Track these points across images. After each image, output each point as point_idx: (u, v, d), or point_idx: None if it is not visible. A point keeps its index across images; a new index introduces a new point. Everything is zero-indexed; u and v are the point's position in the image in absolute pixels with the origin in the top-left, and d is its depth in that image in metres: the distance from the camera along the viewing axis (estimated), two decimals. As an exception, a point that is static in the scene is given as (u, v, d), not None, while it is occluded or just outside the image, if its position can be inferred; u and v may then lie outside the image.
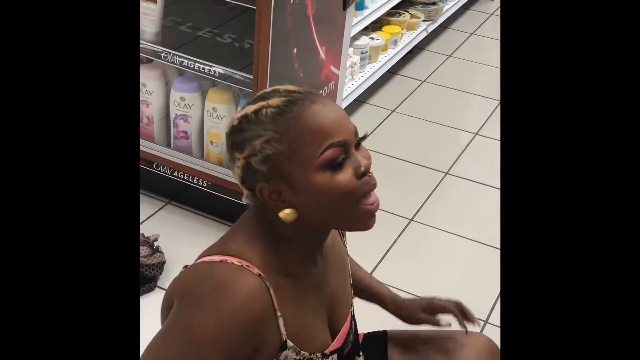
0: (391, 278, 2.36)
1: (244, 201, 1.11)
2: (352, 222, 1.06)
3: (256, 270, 1.03)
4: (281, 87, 1.07)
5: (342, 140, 1.02)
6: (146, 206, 2.57)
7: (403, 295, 2.28)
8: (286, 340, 1.06)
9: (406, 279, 2.35)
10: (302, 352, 1.09)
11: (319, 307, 1.15)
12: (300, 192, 1.02)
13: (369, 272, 2.37)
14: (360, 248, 2.48)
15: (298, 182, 1.02)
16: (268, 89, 1.08)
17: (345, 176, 1.02)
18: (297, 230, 1.06)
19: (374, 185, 1.05)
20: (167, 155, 2.45)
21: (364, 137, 1.07)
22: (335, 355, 1.17)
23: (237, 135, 1.05)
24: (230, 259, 1.04)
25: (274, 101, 1.03)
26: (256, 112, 1.03)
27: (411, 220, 2.64)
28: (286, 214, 1.03)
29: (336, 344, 1.19)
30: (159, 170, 2.49)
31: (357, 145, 1.06)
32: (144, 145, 2.48)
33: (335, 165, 1.01)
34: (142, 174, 2.55)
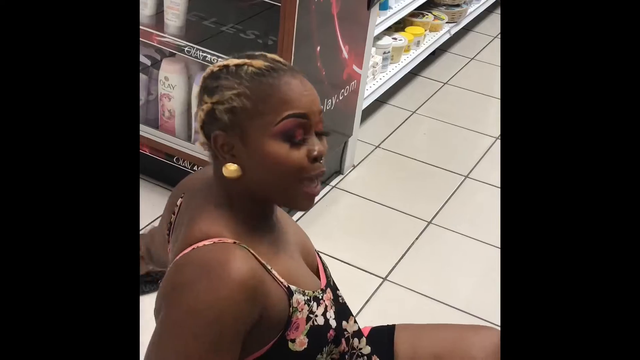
0: (408, 280, 2.35)
1: (197, 144, 1.16)
2: (290, 200, 1.09)
3: (229, 240, 1.04)
4: (269, 55, 1.11)
5: (303, 113, 1.05)
6: (165, 200, 2.57)
7: (417, 297, 2.28)
8: (289, 286, 1.09)
9: (423, 282, 2.34)
10: (306, 291, 1.12)
11: (295, 253, 1.19)
12: (250, 153, 1.05)
13: (386, 273, 2.37)
14: (378, 249, 2.48)
15: (252, 143, 1.05)
16: (256, 52, 1.12)
17: (297, 154, 1.05)
18: (242, 193, 1.09)
19: (322, 172, 1.09)
20: (187, 149, 2.45)
21: (327, 133, 1.11)
22: (329, 289, 1.21)
23: (212, 81, 1.08)
24: (200, 244, 1.04)
25: (258, 63, 1.07)
26: (238, 66, 1.07)
27: (429, 223, 2.63)
28: (230, 169, 1.05)
29: (323, 280, 1.23)
30: (179, 164, 2.50)
31: (320, 135, 1.09)
32: (165, 139, 2.48)
33: (291, 140, 1.05)
34: (162, 168, 2.55)
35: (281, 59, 1.10)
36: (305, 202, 1.10)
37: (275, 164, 1.04)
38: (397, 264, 2.42)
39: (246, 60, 1.07)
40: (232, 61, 1.08)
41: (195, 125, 1.12)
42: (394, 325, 1.46)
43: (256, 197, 1.09)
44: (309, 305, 1.12)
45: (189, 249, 1.04)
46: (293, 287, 1.09)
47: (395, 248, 2.49)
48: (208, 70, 1.10)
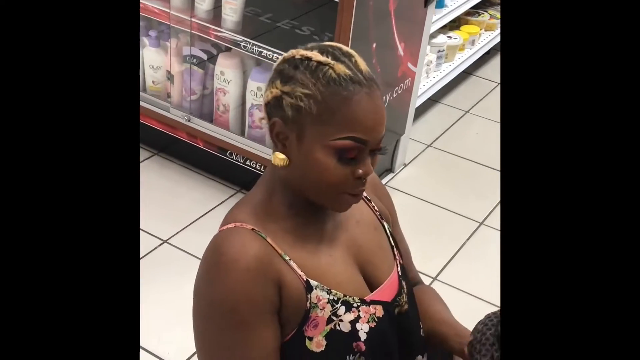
0: (458, 280, 2.33)
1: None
2: (327, 202, 1.10)
3: (249, 226, 1.07)
4: (356, 57, 1.08)
5: (363, 140, 1.04)
6: (217, 193, 2.61)
7: (468, 299, 2.26)
8: (307, 280, 1.08)
9: (473, 283, 2.32)
10: (333, 291, 1.10)
11: (339, 255, 1.16)
12: (301, 152, 1.05)
13: (436, 273, 2.35)
14: (428, 249, 2.46)
15: (305, 144, 1.05)
16: (344, 49, 1.09)
17: (342, 170, 1.05)
18: (284, 181, 1.10)
19: (361, 192, 1.09)
20: (241, 144, 2.47)
21: (382, 150, 1.09)
22: (379, 307, 1.15)
23: (290, 69, 1.06)
24: (224, 227, 1.10)
25: (340, 68, 1.04)
26: (319, 64, 1.04)
27: (481, 224, 2.60)
28: (279, 157, 1.06)
29: (379, 296, 1.17)
30: (232, 159, 2.52)
31: (374, 153, 1.07)
32: (219, 133, 2.51)
33: (343, 157, 1.04)
34: (215, 162, 2.58)
35: (366, 69, 1.07)
36: (339, 207, 1.10)
37: (319, 173, 1.05)
38: (447, 263, 2.40)
39: (330, 62, 1.04)
40: (317, 56, 1.05)
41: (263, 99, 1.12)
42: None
43: (296, 191, 1.10)
44: (333, 306, 1.10)
45: (219, 230, 1.11)
46: (313, 282, 1.08)
47: (445, 248, 2.47)
48: (290, 53, 1.08)
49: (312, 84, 1.03)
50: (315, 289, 1.08)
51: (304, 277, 1.08)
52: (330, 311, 1.09)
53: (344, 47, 1.09)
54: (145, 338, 2.00)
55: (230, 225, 1.09)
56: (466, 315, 2.17)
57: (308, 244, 1.12)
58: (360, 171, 1.05)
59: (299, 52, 1.07)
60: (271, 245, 1.07)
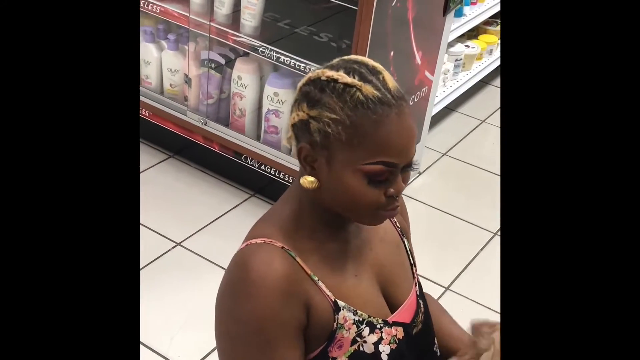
0: (470, 291, 2.32)
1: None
2: (362, 219, 1.08)
3: (279, 244, 1.05)
4: (384, 74, 1.04)
5: (395, 163, 1.02)
6: (232, 197, 2.61)
7: (481, 310, 2.25)
8: (336, 301, 1.07)
9: (486, 294, 2.31)
10: (359, 312, 1.09)
11: (364, 275, 1.14)
12: (332, 176, 1.03)
13: (449, 283, 2.34)
14: (442, 258, 2.45)
15: (335, 168, 1.02)
16: (370, 64, 1.05)
17: (375, 192, 1.02)
18: (314, 202, 1.08)
19: (395, 209, 1.06)
20: (256, 148, 2.48)
21: (413, 166, 1.07)
22: (400, 328, 1.14)
23: (316, 91, 1.02)
24: (252, 241, 1.07)
25: (368, 90, 1.00)
26: (346, 86, 1.00)
27: (495, 234, 2.59)
28: (309, 180, 1.04)
29: (400, 317, 1.16)
30: (247, 163, 2.52)
31: (405, 169, 1.05)
32: (235, 137, 2.51)
33: (374, 180, 1.02)
34: (230, 165, 2.59)
35: (395, 86, 1.03)
36: (374, 222, 1.09)
37: (351, 196, 1.03)
38: (460, 273, 2.39)
39: (357, 83, 1.00)
40: (344, 77, 1.01)
41: (289, 119, 1.09)
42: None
43: (327, 209, 1.08)
44: (358, 327, 1.09)
45: (244, 244, 1.08)
46: (341, 303, 1.07)
47: (459, 258, 2.46)
48: (316, 73, 1.04)
49: (339, 108, 1.00)
50: (343, 309, 1.07)
51: (332, 298, 1.06)
52: (355, 332, 1.08)
53: (370, 63, 1.05)
54: (157, 340, 2.00)
55: (258, 240, 1.06)
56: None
57: (334, 261, 1.10)
58: (392, 190, 1.03)
59: (324, 73, 1.02)
60: (300, 264, 1.05)
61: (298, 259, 1.05)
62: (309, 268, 1.06)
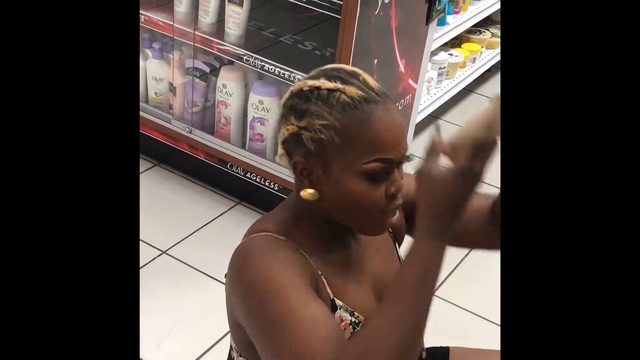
0: (456, 296, 2.34)
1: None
2: (364, 228, 1.08)
3: (282, 237, 1.07)
4: (363, 75, 1.05)
5: (391, 159, 1.02)
6: (217, 204, 2.62)
7: (466, 316, 2.27)
8: (334, 299, 1.07)
9: (471, 299, 2.33)
10: (356, 313, 1.10)
11: (362, 280, 1.15)
12: (331, 184, 1.03)
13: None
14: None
15: (334, 175, 1.03)
16: (349, 69, 1.06)
17: (377, 192, 1.03)
18: (315, 213, 1.08)
19: (396, 209, 1.07)
20: (241, 156, 2.49)
21: (409, 158, 1.07)
22: None
23: (301, 102, 1.04)
24: (255, 235, 1.08)
25: (351, 91, 1.02)
26: (330, 91, 1.02)
27: (479, 239, 2.61)
28: (308, 193, 1.05)
29: None
30: (233, 171, 2.53)
31: (400, 164, 1.06)
32: (220, 145, 2.52)
33: (374, 179, 1.02)
34: (216, 173, 2.59)
35: (376, 85, 1.05)
36: (378, 231, 1.09)
37: (354, 201, 1.03)
38: (445, 280, 2.41)
39: (339, 86, 1.02)
40: (325, 84, 1.03)
41: (278, 138, 1.09)
42: (447, 348, 1.45)
43: (327, 220, 1.08)
44: (354, 328, 1.10)
45: (244, 239, 1.09)
46: (339, 302, 1.08)
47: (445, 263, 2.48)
48: (297, 86, 1.06)
49: (327, 113, 1.01)
50: (340, 309, 1.08)
51: (331, 296, 1.07)
52: (351, 333, 1.09)
53: (348, 67, 1.07)
54: (144, 347, 2.00)
55: (260, 234, 1.07)
56: (462, 331, 2.19)
57: (335, 266, 1.10)
58: (393, 189, 1.04)
59: (306, 84, 1.04)
60: (305, 255, 1.06)
61: (302, 251, 1.06)
62: (313, 263, 1.06)
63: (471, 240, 1.29)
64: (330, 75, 1.04)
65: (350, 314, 1.09)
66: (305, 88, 1.04)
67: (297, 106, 1.04)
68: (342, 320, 1.08)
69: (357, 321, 1.10)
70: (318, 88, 1.03)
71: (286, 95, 1.08)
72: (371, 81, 1.06)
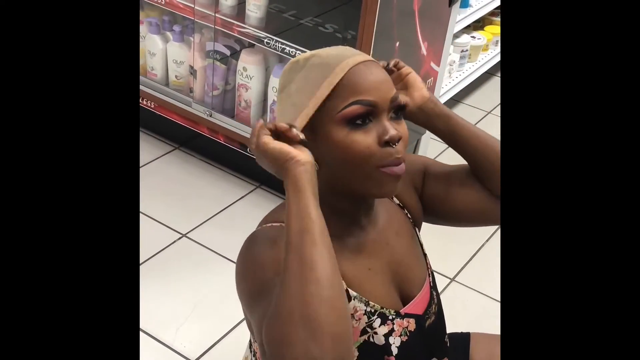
0: (476, 282, 2.32)
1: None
2: (367, 186, 1.03)
3: None
4: (347, 47, 1.09)
5: (370, 101, 1.00)
6: (237, 188, 2.62)
7: (486, 301, 2.25)
8: (347, 289, 1.06)
9: (490, 284, 2.31)
10: (371, 303, 1.08)
11: (378, 270, 1.13)
12: (321, 145, 1.02)
13: (454, 274, 2.34)
14: (447, 249, 2.45)
15: (322, 136, 1.02)
16: (331, 47, 1.10)
17: (363, 138, 1.00)
18: (324, 188, 1.03)
19: (398, 160, 1.01)
20: (261, 139, 2.47)
21: (404, 106, 1.05)
22: (412, 320, 1.14)
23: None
24: (267, 225, 1.08)
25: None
26: (306, 59, 1.06)
27: (499, 227, 2.59)
28: None
29: (412, 309, 1.16)
30: (253, 154, 2.53)
31: (397, 114, 1.04)
32: (240, 129, 2.51)
33: (354, 123, 1.00)
34: (236, 157, 2.59)
35: (351, 49, 1.08)
36: (385, 187, 1.03)
37: (343, 152, 1.01)
38: (465, 265, 2.40)
39: (314, 53, 1.07)
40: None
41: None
42: (468, 333, 1.44)
43: (336, 191, 1.06)
44: (369, 317, 1.08)
45: (257, 228, 1.09)
46: (353, 293, 1.07)
47: (464, 249, 2.46)
48: (285, 67, 1.11)
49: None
50: (354, 299, 1.06)
51: (345, 286, 1.05)
52: (366, 323, 1.08)
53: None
54: (162, 331, 2.01)
55: (274, 224, 1.06)
56: (483, 317, 2.17)
57: (349, 254, 1.09)
58: (387, 134, 1.00)
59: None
60: None
61: None
62: None
63: (466, 214, 1.25)
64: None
65: (365, 304, 1.08)
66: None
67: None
68: (356, 311, 1.07)
69: (372, 310, 1.08)
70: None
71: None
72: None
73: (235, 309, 2.07)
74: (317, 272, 0.88)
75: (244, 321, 2.05)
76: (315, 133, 1.02)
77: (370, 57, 1.06)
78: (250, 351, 1.24)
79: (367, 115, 1.01)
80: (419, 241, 1.25)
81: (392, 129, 1.01)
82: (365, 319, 1.08)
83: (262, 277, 0.97)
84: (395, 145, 1.01)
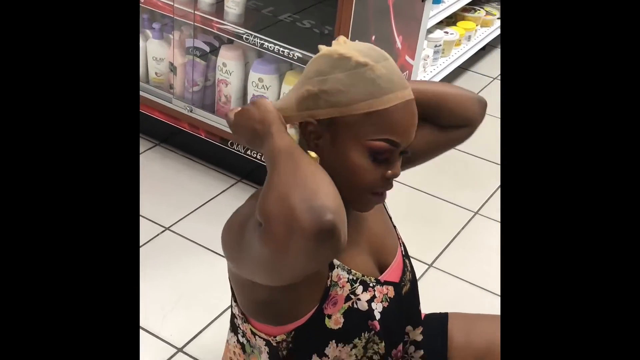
0: (453, 267, 2.39)
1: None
2: (353, 201, 1.11)
3: None
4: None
5: (399, 143, 1.07)
6: (219, 182, 2.66)
7: (463, 285, 2.32)
8: None
9: (467, 270, 2.38)
10: (353, 271, 1.14)
11: (361, 244, 1.20)
12: (335, 152, 1.07)
13: (432, 260, 2.41)
14: (425, 237, 2.52)
15: (340, 144, 1.06)
16: (379, 50, 1.09)
17: (375, 171, 1.07)
18: None
19: (384, 195, 1.12)
20: (241, 134, 2.52)
21: (406, 152, 1.12)
22: (391, 287, 1.20)
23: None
24: (249, 199, 1.14)
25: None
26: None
27: (476, 213, 2.66)
28: (311, 156, 1.07)
29: (390, 276, 1.22)
30: (234, 149, 2.57)
31: (401, 153, 1.11)
32: (221, 124, 2.56)
33: (376, 157, 1.06)
34: (216, 152, 2.63)
35: (400, 74, 1.08)
36: (363, 208, 1.13)
37: (352, 172, 1.07)
38: (442, 251, 2.47)
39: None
40: (356, 56, 1.05)
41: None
42: (446, 314, 1.50)
43: None
44: (352, 285, 1.14)
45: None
46: (335, 262, 1.12)
47: (441, 236, 2.53)
48: (327, 50, 1.08)
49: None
50: (337, 267, 1.12)
51: None
52: (349, 290, 1.14)
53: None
54: (148, 321, 2.06)
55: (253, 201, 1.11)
56: (461, 300, 2.24)
57: None
58: (390, 172, 1.08)
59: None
60: None
61: None
62: None
63: (424, 151, 1.32)
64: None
65: (347, 272, 1.14)
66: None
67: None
68: (339, 279, 1.12)
69: (354, 278, 1.14)
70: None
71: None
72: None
73: (219, 298, 2.13)
74: (305, 164, 0.97)
75: (228, 310, 2.11)
76: (335, 138, 1.07)
77: (411, 93, 1.08)
78: (234, 334, 1.28)
79: (391, 153, 1.07)
80: (387, 212, 1.31)
81: (399, 167, 1.10)
82: (348, 286, 1.14)
83: (243, 218, 1.04)
84: (392, 181, 1.11)
